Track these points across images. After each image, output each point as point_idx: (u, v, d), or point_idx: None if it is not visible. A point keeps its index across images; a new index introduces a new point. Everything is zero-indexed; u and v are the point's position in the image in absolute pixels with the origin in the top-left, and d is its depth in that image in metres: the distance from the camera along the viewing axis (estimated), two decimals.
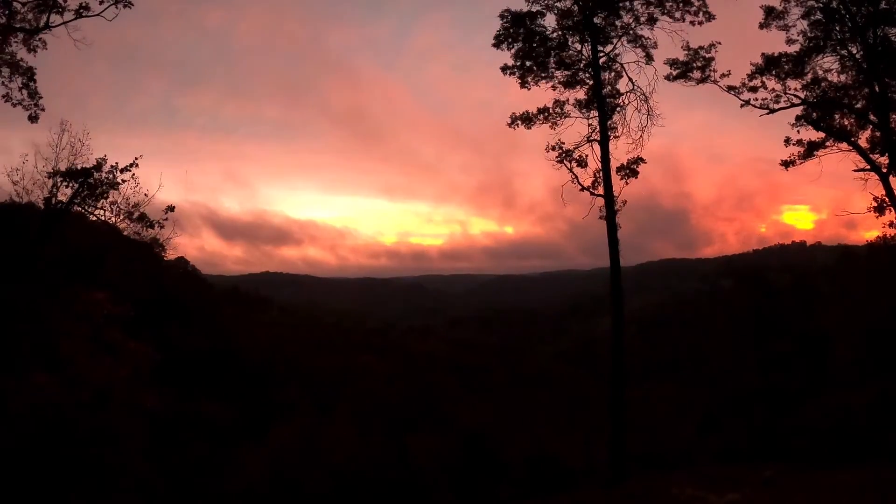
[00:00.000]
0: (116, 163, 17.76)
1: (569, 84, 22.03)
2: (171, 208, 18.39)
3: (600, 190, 21.76)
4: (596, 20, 21.41)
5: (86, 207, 18.23)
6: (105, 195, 17.96)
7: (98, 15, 17.03)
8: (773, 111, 22.32)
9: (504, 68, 21.99)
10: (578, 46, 21.85)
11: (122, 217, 18.01)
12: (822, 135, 22.33)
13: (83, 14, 16.87)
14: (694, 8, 20.90)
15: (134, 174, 17.68)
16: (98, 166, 17.50)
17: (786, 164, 22.86)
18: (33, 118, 17.65)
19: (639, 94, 21.83)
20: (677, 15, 20.95)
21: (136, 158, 17.82)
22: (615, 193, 21.63)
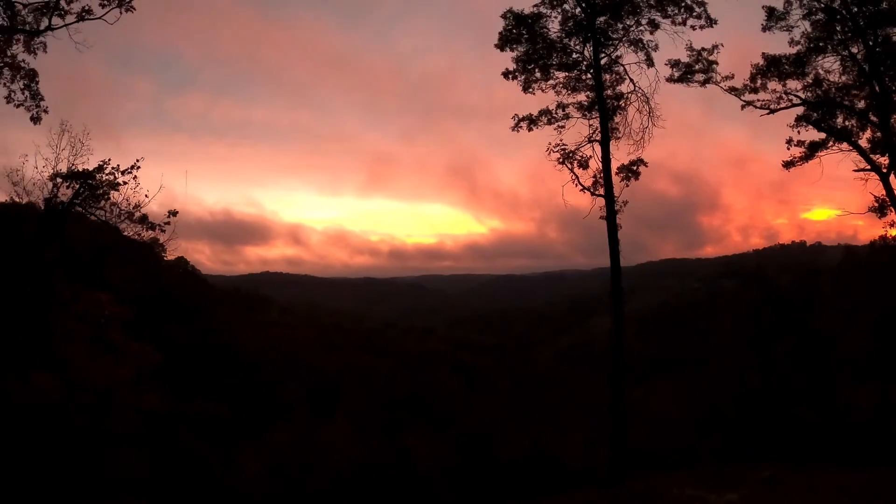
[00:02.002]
0: (118, 165, 17.84)
1: (571, 88, 21.92)
2: (173, 213, 18.43)
3: (601, 190, 21.71)
4: (598, 23, 21.35)
5: (86, 208, 18.25)
6: (106, 196, 17.99)
7: (100, 18, 16.96)
8: (773, 111, 22.32)
9: (506, 73, 21.63)
10: (580, 48, 21.78)
11: (122, 218, 18.04)
12: (822, 135, 22.34)
13: (85, 17, 16.79)
14: (696, 13, 20.85)
15: (136, 176, 17.73)
16: (100, 168, 17.54)
17: (787, 164, 22.88)
18: (36, 119, 17.62)
19: (640, 95, 21.74)
20: (679, 20, 20.90)
21: (138, 160, 17.90)
22: (616, 194, 21.60)
